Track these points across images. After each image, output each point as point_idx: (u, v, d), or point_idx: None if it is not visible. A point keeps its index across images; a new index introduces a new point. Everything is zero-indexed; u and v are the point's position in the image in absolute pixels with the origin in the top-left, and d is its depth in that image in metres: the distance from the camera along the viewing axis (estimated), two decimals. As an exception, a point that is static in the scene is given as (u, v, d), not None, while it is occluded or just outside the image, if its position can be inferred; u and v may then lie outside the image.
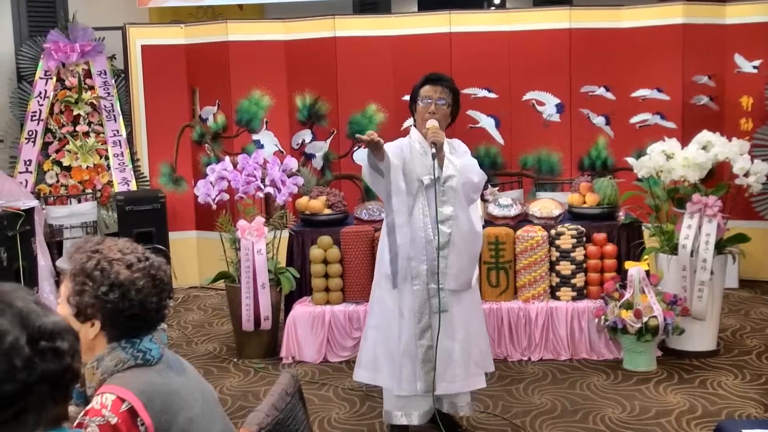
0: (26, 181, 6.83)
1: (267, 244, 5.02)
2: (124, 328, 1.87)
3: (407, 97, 3.88)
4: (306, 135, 6.72)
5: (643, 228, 5.16)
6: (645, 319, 4.51)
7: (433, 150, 3.54)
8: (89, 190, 6.91)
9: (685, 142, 5.02)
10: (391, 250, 3.63)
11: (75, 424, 1.79)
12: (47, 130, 6.96)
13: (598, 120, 6.48)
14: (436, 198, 3.58)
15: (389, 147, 3.58)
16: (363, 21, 6.68)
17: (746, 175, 4.80)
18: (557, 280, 5.00)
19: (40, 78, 6.97)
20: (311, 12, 6.78)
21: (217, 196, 5.21)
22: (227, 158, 5.54)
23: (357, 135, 3.47)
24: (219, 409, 2.01)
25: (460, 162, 3.66)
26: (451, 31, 6.49)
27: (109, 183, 6.97)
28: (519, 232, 5.01)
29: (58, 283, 5.74)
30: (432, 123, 3.61)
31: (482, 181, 3.72)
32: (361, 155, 3.59)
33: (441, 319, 3.63)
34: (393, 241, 3.61)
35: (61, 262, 1.77)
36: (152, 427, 1.77)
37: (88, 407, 1.79)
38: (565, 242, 4.96)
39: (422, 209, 3.64)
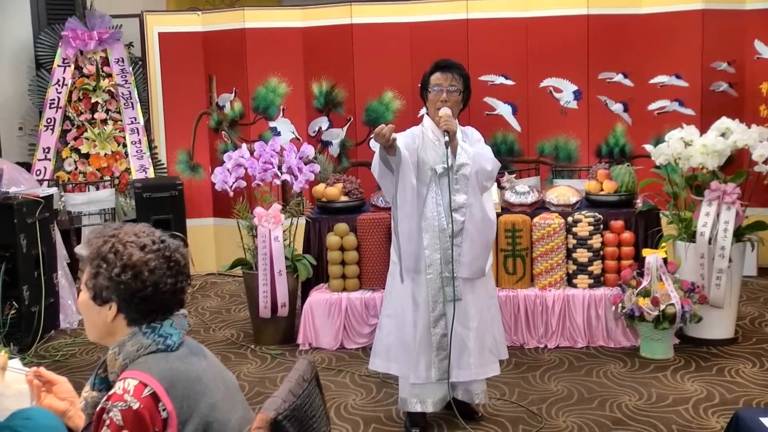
0: (45, 168, 6.89)
1: (284, 231, 5.04)
2: (140, 310, 1.88)
3: (423, 85, 3.86)
4: (323, 122, 6.72)
5: (660, 215, 5.13)
6: (662, 306, 4.49)
7: (446, 138, 3.54)
8: (107, 178, 6.95)
9: (703, 129, 4.98)
10: (396, 247, 3.66)
11: (97, 409, 1.82)
12: (66, 117, 7.01)
13: (616, 107, 6.44)
14: (450, 186, 3.58)
15: (402, 137, 3.57)
16: (380, 8, 6.65)
17: (765, 162, 4.76)
18: (574, 267, 4.99)
19: (59, 65, 7.02)
20: (328, -1, 6.78)
21: (234, 183, 5.23)
22: (244, 145, 5.55)
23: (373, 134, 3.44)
24: (239, 395, 2.03)
25: (474, 150, 3.65)
26: (468, 17, 6.46)
27: (127, 170, 7.01)
28: (536, 219, 5.00)
29: (70, 266, 5.81)
30: (444, 111, 3.60)
31: (495, 169, 3.71)
32: (376, 144, 3.56)
33: (455, 308, 3.64)
34: (396, 238, 3.63)
35: (79, 249, 1.79)
36: (174, 413, 1.78)
37: (110, 392, 1.81)
38: (582, 230, 4.95)
39: (435, 198, 3.64)
